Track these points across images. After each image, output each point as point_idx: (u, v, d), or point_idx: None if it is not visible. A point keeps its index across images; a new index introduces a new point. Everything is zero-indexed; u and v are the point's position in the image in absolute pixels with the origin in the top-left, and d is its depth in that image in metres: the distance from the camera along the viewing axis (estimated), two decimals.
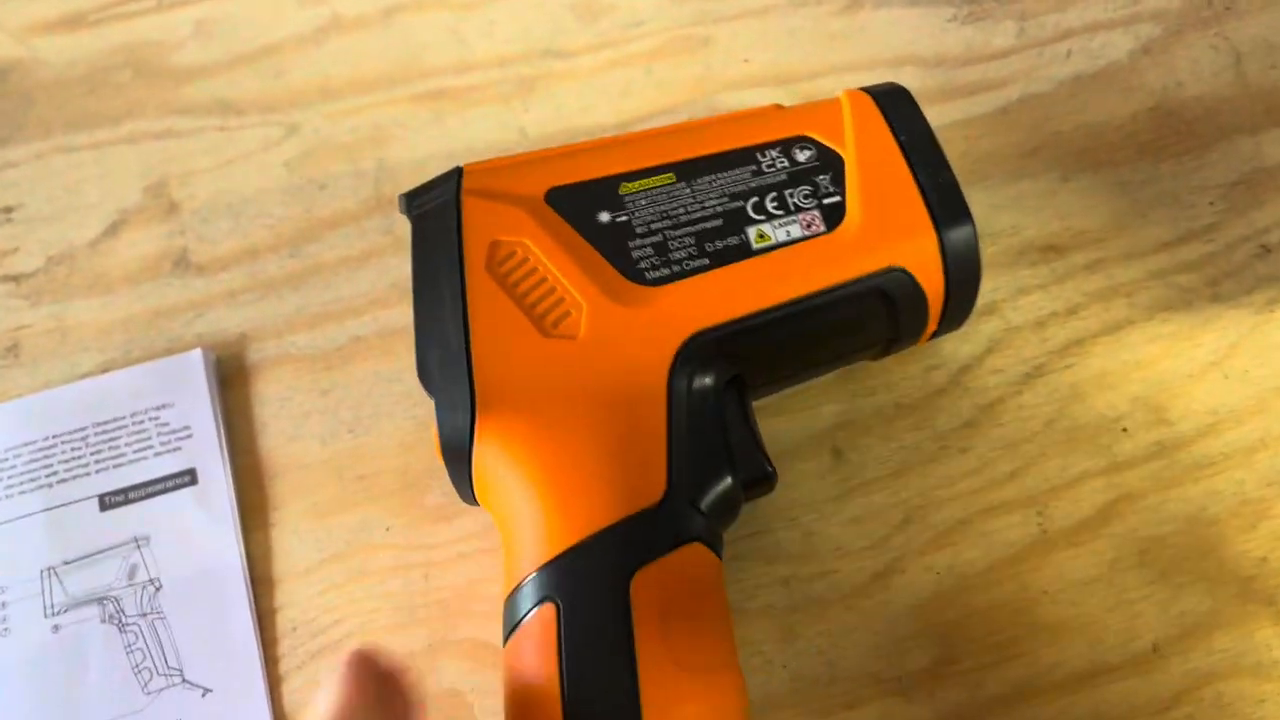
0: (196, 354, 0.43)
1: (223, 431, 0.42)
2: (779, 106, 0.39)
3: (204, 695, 0.37)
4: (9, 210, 0.47)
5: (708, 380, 0.34)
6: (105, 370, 0.44)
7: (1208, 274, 0.42)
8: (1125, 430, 0.39)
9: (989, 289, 0.42)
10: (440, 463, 0.34)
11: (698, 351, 0.34)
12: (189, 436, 0.41)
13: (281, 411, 0.42)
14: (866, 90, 0.38)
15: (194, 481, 0.40)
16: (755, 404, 0.37)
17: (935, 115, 0.41)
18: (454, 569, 0.39)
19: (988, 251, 0.42)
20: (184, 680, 0.37)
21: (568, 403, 0.33)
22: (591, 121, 0.47)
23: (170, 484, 0.40)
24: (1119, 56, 0.47)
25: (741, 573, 0.38)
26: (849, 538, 0.38)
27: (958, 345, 0.41)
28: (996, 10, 0.48)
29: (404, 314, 0.44)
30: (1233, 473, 0.38)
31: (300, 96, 0.49)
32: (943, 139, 0.36)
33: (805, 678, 0.37)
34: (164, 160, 0.48)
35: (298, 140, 0.48)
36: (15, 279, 0.46)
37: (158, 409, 0.42)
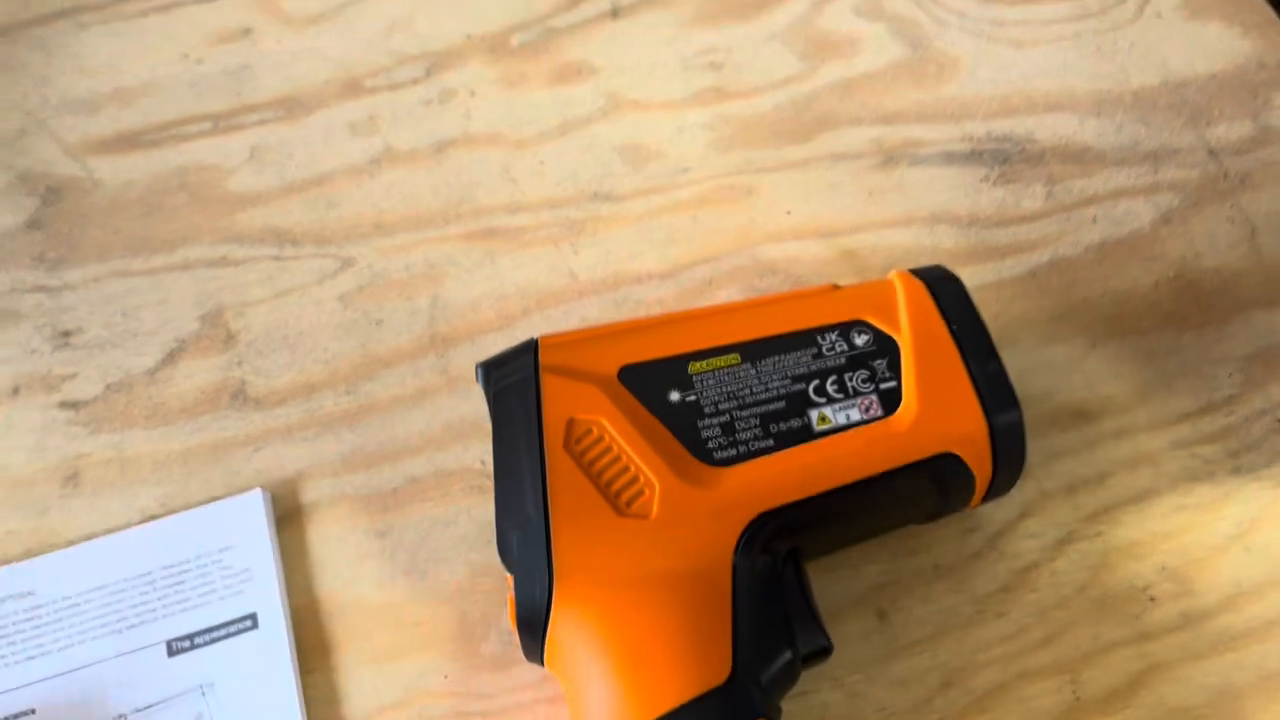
0: (257, 495, 0.44)
1: (281, 574, 0.43)
2: (835, 286, 0.41)
3: None
4: (68, 334, 0.48)
5: (769, 557, 0.36)
6: (164, 504, 0.45)
7: (1229, 446, 0.44)
8: (1153, 600, 0.41)
9: None
10: (511, 629, 0.36)
11: (761, 530, 0.36)
12: (250, 579, 0.42)
13: (338, 553, 0.44)
14: (917, 273, 0.40)
15: (255, 625, 0.42)
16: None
17: (970, 276, 0.44)
18: (512, 719, 0.40)
19: None
20: None
21: (641, 581, 0.35)
22: (640, 268, 0.49)
23: (233, 628, 0.41)
24: (1141, 225, 0.49)
25: None
26: (893, 699, 0.40)
27: (994, 509, 0.43)
28: (1026, 173, 0.51)
29: (458, 455, 0.45)
30: (1256, 646, 0.41)
31: (354, 229, 0.51)
32: (977, 301, 0.39)
33: None
34: (219, 288, 0.50)
35: (352, 274, 0.50)
36: (75, 405, 0.47)
37: (220, 551, 0.43)
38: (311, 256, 0.50)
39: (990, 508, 0.43)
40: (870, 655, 0.41)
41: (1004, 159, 0.51)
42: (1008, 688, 0.40)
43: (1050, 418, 0.45)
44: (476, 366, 0.39)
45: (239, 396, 0.47)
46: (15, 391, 0.47)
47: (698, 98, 0.54)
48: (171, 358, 0.48)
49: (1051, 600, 0.42)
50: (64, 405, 0.47)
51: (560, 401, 0.37)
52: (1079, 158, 0.51)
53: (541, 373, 0.38)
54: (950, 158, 0.51)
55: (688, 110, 0.54)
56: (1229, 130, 0.52)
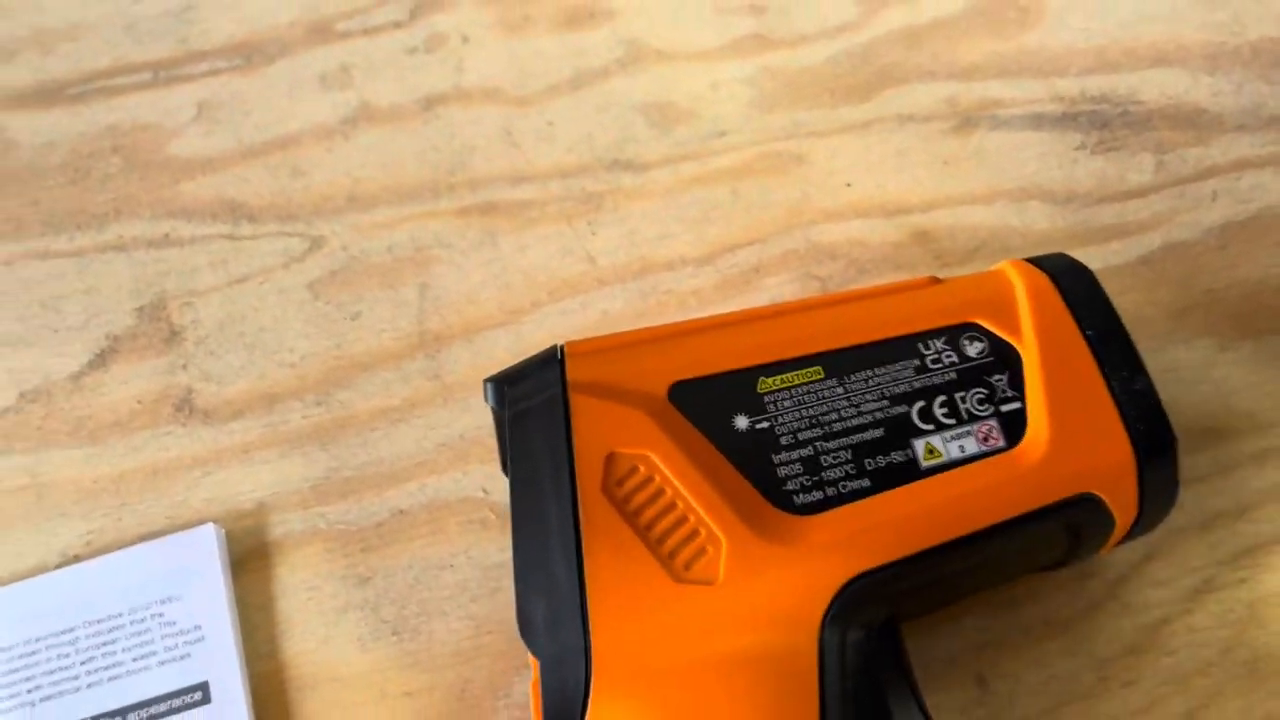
0: (208, 530, 0.35)
1: (239, 632, 0.34)
2: (934, 278, 0.33)
3: None
4: None
5: (864, 630, 0.28)
6: (89, 542, 0.36)
7: None
8: None
9: None
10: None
11: (855, 596, 0.28)
12: (200, 640, 0.34)
13: (310, 605, 0.35)
14: (1036, 263, 0.32)
15: (206, 699, 0.33)
16: None
17: None
18: None
19: None
20: None
21: (704, 667, 0.27)
22: (671, 252, 0.41)
23: (178, 702, 0.33)
24: (1271, 201, 0.41)
25: None
26: None
27: (1113, 550, 0.35)
28: (1131, 140, 0.43)
29: (456, 482, 0.37)
30: None
31: (324, 202, 0.42)
32: None
33: None
34: (161, 274, 0.41)
35: (323, 257, 0.41)
36: None
37: (162, 603, 0.34)
38: (273, 235, 0.42)
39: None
40: None
41: (1103, 122, 0.43)
42: None
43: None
44: (485, 383, 0.31)
45: (185, 408, 0.38)
46: None
47: (736, 47, 0.45)
48: (101, 359, 0.39)
49: (1190, 665, 0.34)
50: None
51: (596, 431, 0.29)
52: (1192, 122, 0.43)
53: (570, 392, 0.29)
54: (1039, 120, 0.43)
55: (724, 62, 0.45)
56: None
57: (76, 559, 0.36)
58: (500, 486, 0.37)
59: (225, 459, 0.38)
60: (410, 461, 0.38)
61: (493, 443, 0.37)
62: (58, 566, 0.36)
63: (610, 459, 0.28)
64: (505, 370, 0.31)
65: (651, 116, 0.44)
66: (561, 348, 0.31)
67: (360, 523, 0.37)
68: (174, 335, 0.40)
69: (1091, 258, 0.40)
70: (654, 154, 0.43)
